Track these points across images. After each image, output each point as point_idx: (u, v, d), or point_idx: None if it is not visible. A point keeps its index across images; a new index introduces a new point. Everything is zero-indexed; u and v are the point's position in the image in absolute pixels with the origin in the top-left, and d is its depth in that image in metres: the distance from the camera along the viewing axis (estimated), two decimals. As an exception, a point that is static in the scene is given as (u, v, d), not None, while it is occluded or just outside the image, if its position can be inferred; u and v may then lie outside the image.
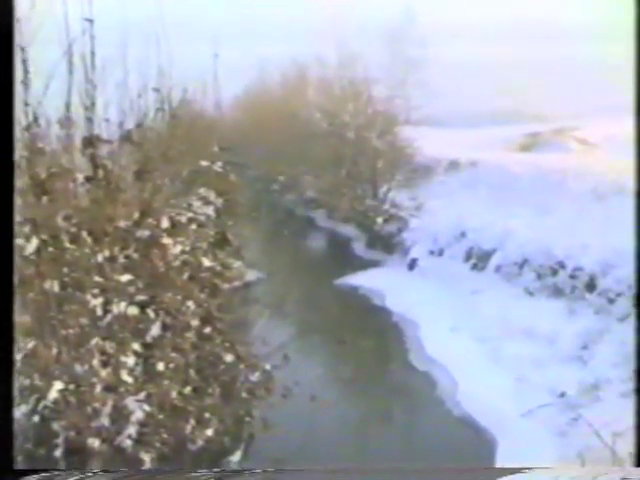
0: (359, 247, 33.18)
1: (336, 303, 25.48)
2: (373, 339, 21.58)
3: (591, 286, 20.37)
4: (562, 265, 21.74)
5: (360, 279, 27.61)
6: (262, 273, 24.15)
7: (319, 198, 37.84)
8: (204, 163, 14.49)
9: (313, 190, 39.08)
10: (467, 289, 23.82)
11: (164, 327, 10.82)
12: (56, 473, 7.00)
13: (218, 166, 14.76)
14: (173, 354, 10.80)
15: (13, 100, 8.02)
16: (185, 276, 11.44)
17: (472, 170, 32.11)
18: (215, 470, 8.58)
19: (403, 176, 32.51)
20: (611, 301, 19.38)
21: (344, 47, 36.80)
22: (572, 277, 21.21)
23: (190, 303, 11.27)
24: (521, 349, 18.92)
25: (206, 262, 11.93)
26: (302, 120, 39.96)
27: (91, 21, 10.68)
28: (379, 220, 31.62)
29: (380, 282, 26.87)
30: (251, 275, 20.49)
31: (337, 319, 23.90)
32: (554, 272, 21.94)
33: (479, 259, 25.36)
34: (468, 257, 25.98)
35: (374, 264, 29.93)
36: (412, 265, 28.08)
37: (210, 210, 13.91)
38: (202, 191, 14.38)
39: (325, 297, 26.10)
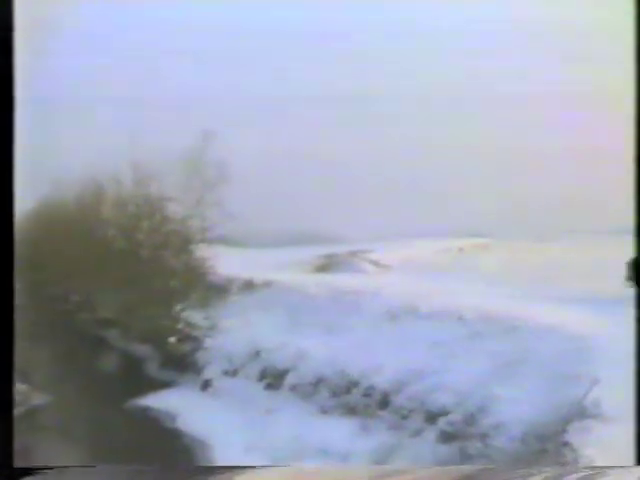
0: (152, 367, 32.51)
1: (127, 426, 24.70)
2: (164, 462, 20.95)
3: (384, 403, 20.95)
4: (356, 384, 22.25)
5: (152, 401, 26.96)
6: (51, 396, 23.15)
7: (112, 318, 37.00)
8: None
9: (107, 309, 38.20)
10: (261, 409, 23.81)
11: None
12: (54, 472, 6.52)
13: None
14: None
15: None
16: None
17: (267, 290, 32.56)
18: None
19: (197, 295, 32.45)
20: (404, 417, 20.00)
21: (140, 166, 36.72)
22: (365, 395, 21.73)
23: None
24: (316, 467, 19.03)
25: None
26: (97, 237, 39.30)
27: None
28: (173, 340, 31.27)
29: (172, 403, 26.37)
30: (38, 399, 19.66)
31: (128, 443, 23.12)
32: (348, 390, 22.40)
33: (273, 378, 25.48)
34: (262, 377, 26.04)
35: (167, 385, 29.32)
36: (205, 385, 27.78)
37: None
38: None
39: (116, 420, 25.25)
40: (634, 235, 14.40)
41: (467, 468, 13.36)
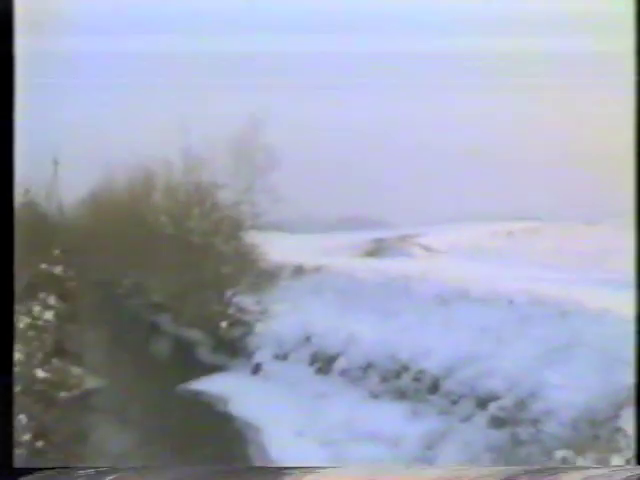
0: (204, 352, 32.79)
1: (179, 409, 24.98)
2: (215, 446, 21.20)
3: (434, 388, 20.95)
4: (406, 368, 22.25)
5: (204, 384, 27.20)
6: (104, 380, 23.49)
7: (164, 303, 37.36)
8: (44, 267, 14.20)
9: (158, 294, 38.59)
10: (312, 393, 23.93)
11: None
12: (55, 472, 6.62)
13: (59, 270, 14.49)
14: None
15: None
16: (17, 389, 10.96)
17: (317, 275, 32.64)
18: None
19: (248, 281, 32.65)
20: (454, 402, 19.97)
21: (190, 153, 36.88)
22: (415, 380, 21.74)
23: (22, 417, 10.78)
24: (366, 452, 19.09)
25: (41, 373, 11.53)
26: (148, 224, 39.65)
27: None
28: (224, 325, 31.54)
29: (223, 387, 26.56)
30: (92, 382, 19.98)
31: (180, 426, 23.40)
32: (398, 375, 22.41)
33: (324, 363, 25.58)
34: (313, 361, 26.16)
35: (218, 369, 29.57)
36: (256, 369, 27.99)
37: (50, 315, 13.58)
38: (42, 295, 14.05)
39: (168, 403, 25.57)
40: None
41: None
